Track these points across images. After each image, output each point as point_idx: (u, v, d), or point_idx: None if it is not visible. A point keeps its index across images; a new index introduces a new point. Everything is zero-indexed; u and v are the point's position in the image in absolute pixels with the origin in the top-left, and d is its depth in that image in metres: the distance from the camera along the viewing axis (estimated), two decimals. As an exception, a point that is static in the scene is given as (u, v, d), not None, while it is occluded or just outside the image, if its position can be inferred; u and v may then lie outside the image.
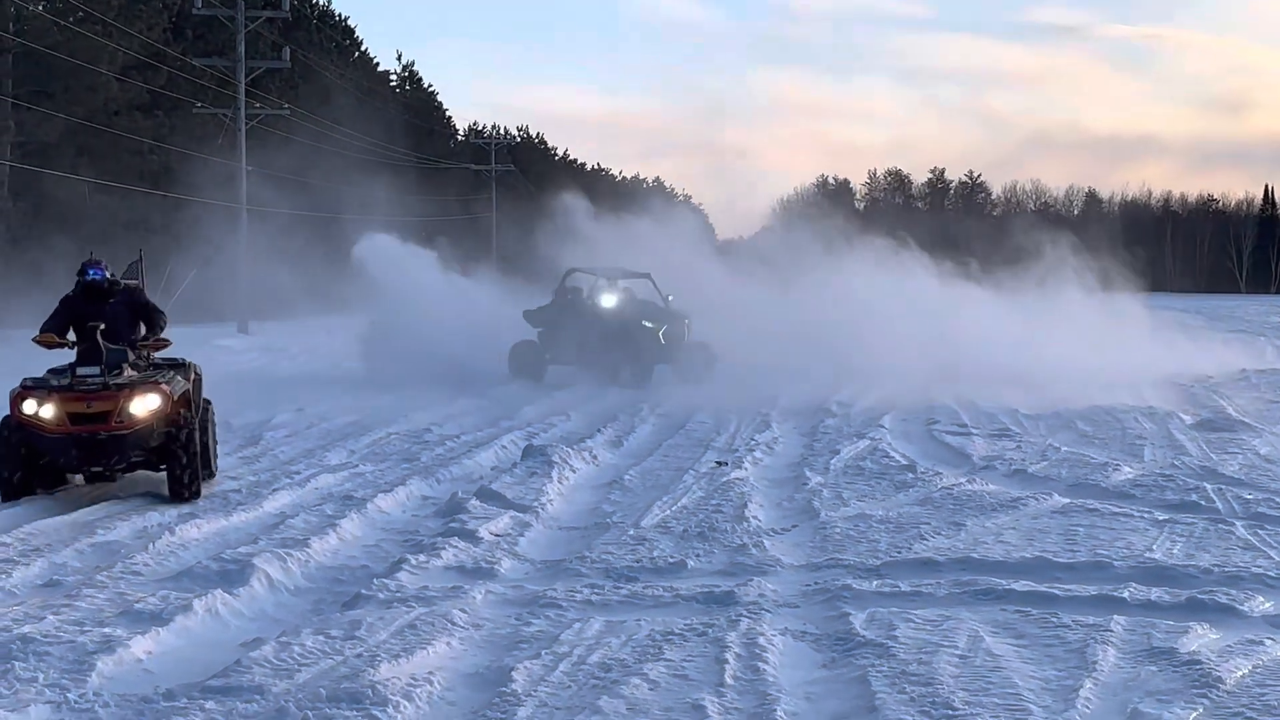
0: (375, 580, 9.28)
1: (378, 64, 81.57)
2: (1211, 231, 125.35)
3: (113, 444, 12.27)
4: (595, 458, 15.57)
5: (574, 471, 14.38)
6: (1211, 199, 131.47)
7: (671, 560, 9.98)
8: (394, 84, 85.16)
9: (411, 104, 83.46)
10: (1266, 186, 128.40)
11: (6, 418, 12.30)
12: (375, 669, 7.19)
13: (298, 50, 57.12)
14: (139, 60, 46.89)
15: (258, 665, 7.33)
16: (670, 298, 26.69)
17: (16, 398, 12.14)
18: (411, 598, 8.85)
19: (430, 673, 7.24)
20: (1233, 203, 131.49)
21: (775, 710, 6.63)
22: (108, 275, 13.03)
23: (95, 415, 12.14)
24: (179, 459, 12.42)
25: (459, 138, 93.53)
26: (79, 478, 13.21)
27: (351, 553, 10.48)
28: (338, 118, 59.43)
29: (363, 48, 78.98)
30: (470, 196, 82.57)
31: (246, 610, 8.72)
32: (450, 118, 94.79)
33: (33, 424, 12.12)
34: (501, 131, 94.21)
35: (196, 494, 12.55)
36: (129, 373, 12.45)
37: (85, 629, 8.02)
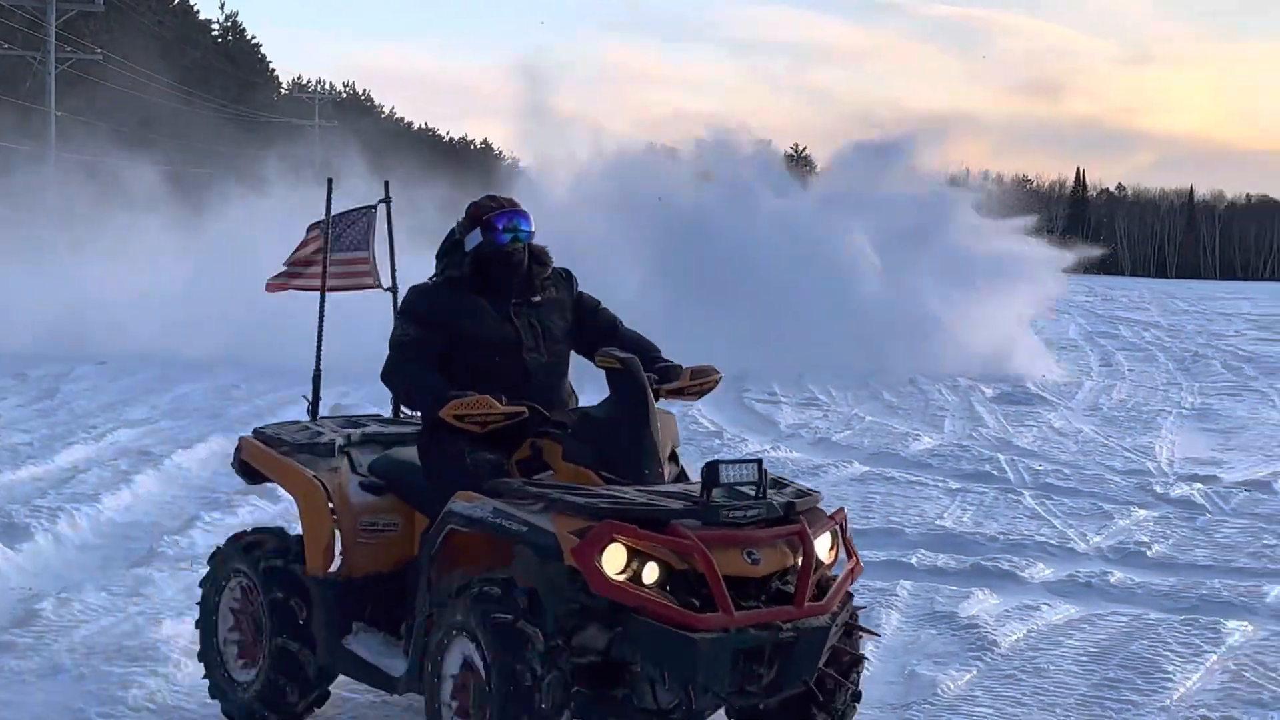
0: (166, 537, 9.14)
1: (198, 11, 79.58)
2: (1026, 211, 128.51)
3: None
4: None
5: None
6: (1026, 179, 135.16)
7: None
8: (215, 33, 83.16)
9: (233, 54, 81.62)
10: (1078, 169, 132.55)
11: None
12: (159, 627, 7.09)
13: (112, -7, 55.31)
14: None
15: (35, 620, 7.16)
16: None
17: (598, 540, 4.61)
18: (203, 555, 8.61)
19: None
20: (1046, 183, 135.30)
21: None
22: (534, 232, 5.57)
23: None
24: None
25: (283, 91, 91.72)
26: None
27: (145, 509, 10.32)
28: (154, 65, 57.77)
29: (183, -7, 76.84)
30: (291, 150, 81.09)
31: (29, 565, 8.50)
32: (274, 70, 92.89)
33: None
34: (327, 86, 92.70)
35: None
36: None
37: None
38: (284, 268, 7.72)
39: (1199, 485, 11.94)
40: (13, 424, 13.79)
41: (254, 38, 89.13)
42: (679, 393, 5.45)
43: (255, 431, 6.11)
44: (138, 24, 61.58)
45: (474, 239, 5.35)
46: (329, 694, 5.78)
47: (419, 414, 5.58)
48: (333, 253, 7.23)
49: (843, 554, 5.14)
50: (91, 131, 48.26)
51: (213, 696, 5.85)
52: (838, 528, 5.10)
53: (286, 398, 17.20)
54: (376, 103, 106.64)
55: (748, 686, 4.74)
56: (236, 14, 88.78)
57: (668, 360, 5.57)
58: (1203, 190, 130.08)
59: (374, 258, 7.50)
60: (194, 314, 23.14)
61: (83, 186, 41.97)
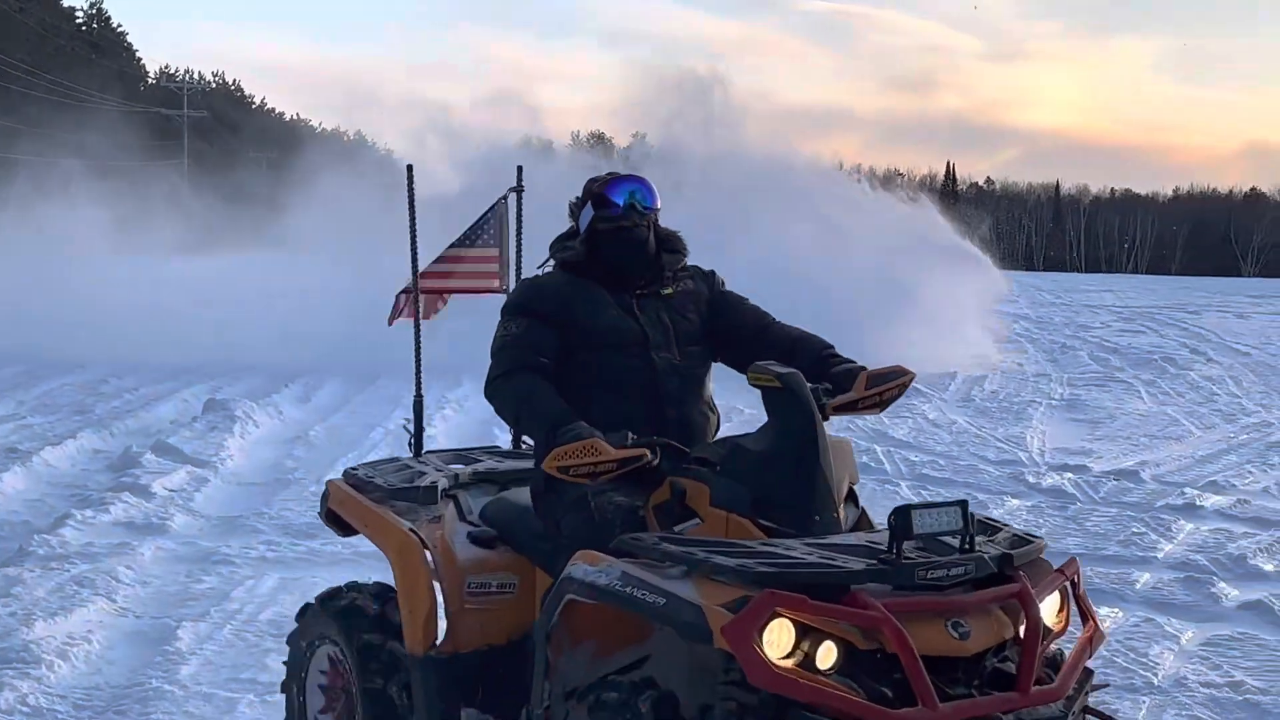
0: (37, 536, 8.95)
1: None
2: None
3: None
4: (280, 413, 15.34)
5: (257, 426, 14.17)
6: (898, 173, 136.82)
7: None
8: (80, 21, 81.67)
9: (98, 44, 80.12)
10: (948, 163, 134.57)
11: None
12: (30, 628, 6.96)
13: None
14: None
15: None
16: None
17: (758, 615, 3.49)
18: (75, 554, 8.60)
19: (90, 631, 7.05)
20: (918, 177, 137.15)
21: None
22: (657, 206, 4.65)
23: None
24: None
25: (150, 81, 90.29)
26: None
27: (13, 507, 10.12)
28: (14, 52, 56.50)
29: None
30: (161, 143, 79.58)
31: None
32: (140, 60, 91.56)
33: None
34: (196, 76, 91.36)
35: None
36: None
37: None
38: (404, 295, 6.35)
39: (1069, 475, 12.17)
40: None
41: (119, 25, 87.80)
42: (852, 406, 4.26)
43: (346, 473, 5.15)
44: (-2, 11, 60.17)
45: (586, 215, 4.46)
46: None
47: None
48: (459, 248, 6.25)
49: (1075, 617, 4.00)
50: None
51: None
52: (1068, 584, 3.97)
53: (158, 393, 16.97)
54: (247, 93, 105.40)
55: None
56: (101, 2, 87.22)
57: (845, 358, 4.49)
58: (1068, 184, 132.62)
59: (505, 256, 6.44)
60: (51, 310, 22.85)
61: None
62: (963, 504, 3.72)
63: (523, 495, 4.57)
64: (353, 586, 5.07)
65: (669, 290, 4.48)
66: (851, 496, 4.16)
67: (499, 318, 4.53)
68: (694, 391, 4.48)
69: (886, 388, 4.28)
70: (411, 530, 4.62)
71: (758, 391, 4.09)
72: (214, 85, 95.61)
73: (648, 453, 4.02)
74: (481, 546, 4.57)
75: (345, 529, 5.13)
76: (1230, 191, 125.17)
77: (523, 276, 5.51)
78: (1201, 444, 14.72)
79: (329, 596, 5.02)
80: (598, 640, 3.95)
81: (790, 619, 3.47)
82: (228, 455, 12.37)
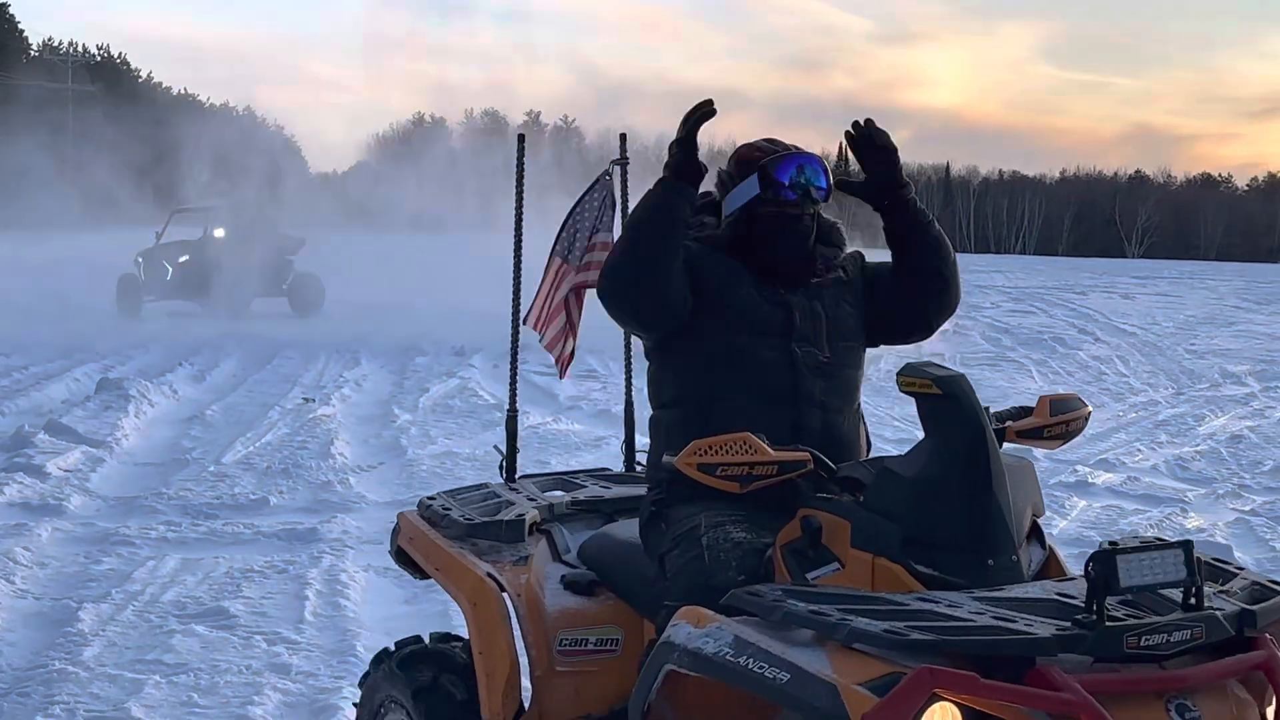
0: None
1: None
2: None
3: None
4: (176, 392, 15.20)
5: (152, 406, 14.05)
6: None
7: (254, 497, 9.88)
8: None
9: None
10: (840, 145, 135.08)
11: None
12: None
13: None
14: None
15: None
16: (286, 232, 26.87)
17: (912, 697, 2.66)
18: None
19: (-11, 612, 6.93)
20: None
21: (356, 645, 6.61)
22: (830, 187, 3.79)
23: None
24: None
25: (33, 53, 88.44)
26: None
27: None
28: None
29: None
30: (42, 118, 77.36)
31: None
32: (23, 32, 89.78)
33: None
34: (81, 49, 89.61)
35: None
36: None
37: None
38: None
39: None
40: None
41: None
42: (1033, 434, 3.51)
43: (421, 503, 4.27)
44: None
45: (748, 190, 3.63)
46: None
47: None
48: (579, 240, 4.88)
49: None
50: None
51: None
52: None
53: (48, 371, 16.72)
54: (133, 67, 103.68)
55: None
56: None
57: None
58: (958, 166, 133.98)
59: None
60: None
61: None
62: (1187, 545, 2.86)
63: (631, 528, 3.80)
64: (432, 641, 4.19)
65: (818, 280, 3.72)
66: (1036, 533, 3.37)
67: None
68: (843, 396, 3.70)
69: (1073, 416, 3.58)
70: (490, 574, 3.82)
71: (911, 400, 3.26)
72: (99, 59, 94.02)
73: (810, 458, 3.27)
74: (578, 593, 3.78)
75: (418, 573, 4.26)
76: (1115, 174, 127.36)
77: None
78: (1092, 422, 14.91)
79: (403, 648, 4.16)
80: (707, 716, 3.23)
81: (956, 703, 2.70)
82: (123, 435, 12.25)
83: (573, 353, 4.86)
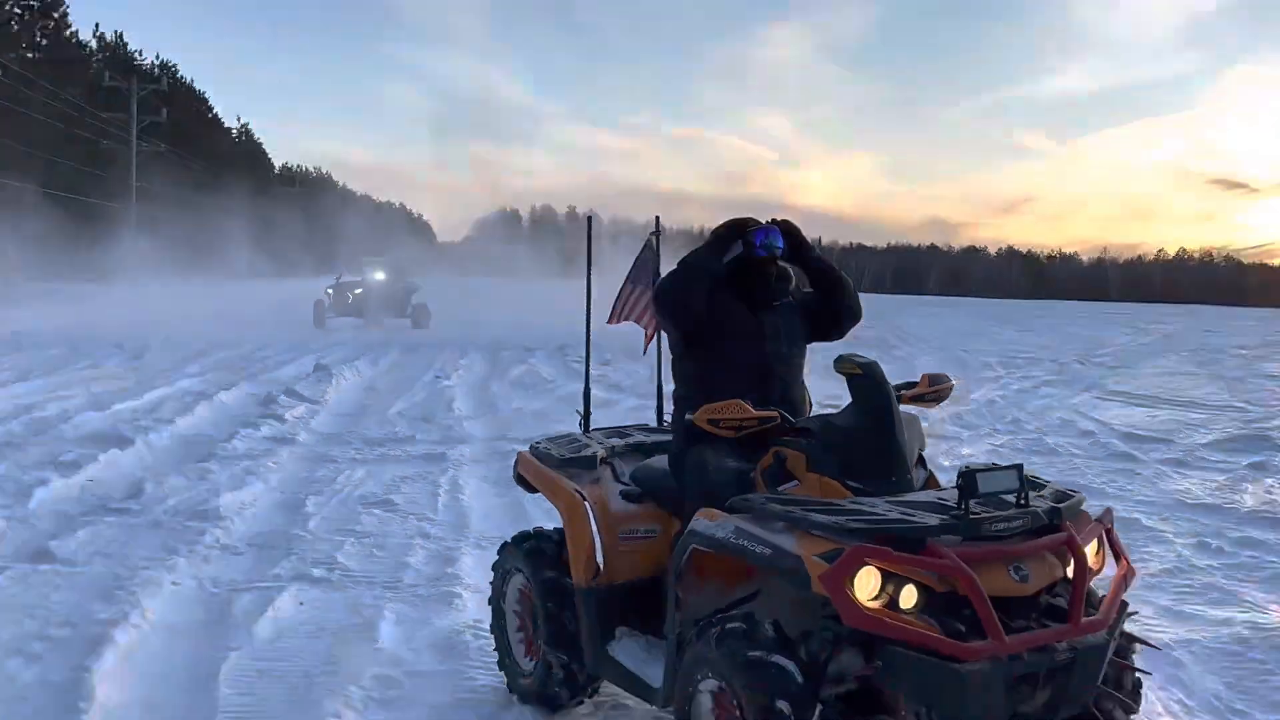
0: (219, 444, 8.83)
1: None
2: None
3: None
4: (359, 372, 15.17)
5: (346, 380, 13.97)
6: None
7: (406, 434, 9.81)
8: (234, 132, 73.78)
9: (249, 149, 72.88)
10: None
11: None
12: (218, 498, 6.90)
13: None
14: None
15: (143, 493, 6.93)
16: (410, 278, 26.86)
17: (849, 566, 2.73)
18: (242, 454, 8.51)
19: (254, 500, 7.01)
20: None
21: (468, 521, 6.63)
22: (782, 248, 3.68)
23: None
24: None
25: (275, 172, 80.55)
26: None
27: (203, 427, 9.90)
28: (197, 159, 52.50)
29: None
30: (275, 209, 63.85)
31: (135, 461, 8.15)
32: (267, 154, 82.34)
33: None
34: (300, 167, 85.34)
35: None
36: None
37: (27, 471, 7.42)
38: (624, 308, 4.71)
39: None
40: (112, 376, 13.22)
41: (258, 136, 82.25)
42: (918, 399, 3.45)
43: (531, 446, 4.15)
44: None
45: (736, 249, 3.59)
46: (600, 686, 3.91)
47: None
48: (642, 279, 4.56)
49: (1110, 559, 3.12)
50: None
51: (500, 669, 4.07)
52: (1104, 530, 3.07)
53: (284, 359, 16.71)
54: (334, 178, 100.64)
55: (1021, 709, 2.77)
56: (248, 124, 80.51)
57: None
58: (826, 239, 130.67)
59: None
60: (216, 309, 22.54)
61: None
62: (1019, 467, 2.93)
63: (663, 461, 3.74)
64: (539, 532, 4.04)
65: (778, 303, 3.64)
66: (921, 461, 3.28)
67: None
68: (795, 376, 3.64)
69: (941, 388, 3.46)
70: (577, 491, 3.76)
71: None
72: (313, 173, 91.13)
73: (778, 415, 3.23)
74: (631, 502, 3.73)
75: (530, 489, 4.08)
76: (917, 245, 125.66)
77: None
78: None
79: (520, 539, 4.04)
80: (717, 580, 3.20)
81: (876, 568, 2.71)
82: (329, 396, 12.20)
83: (651, 338, 4.55)
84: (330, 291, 26.23)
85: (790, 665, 2.74)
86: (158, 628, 4.65)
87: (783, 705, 2.69)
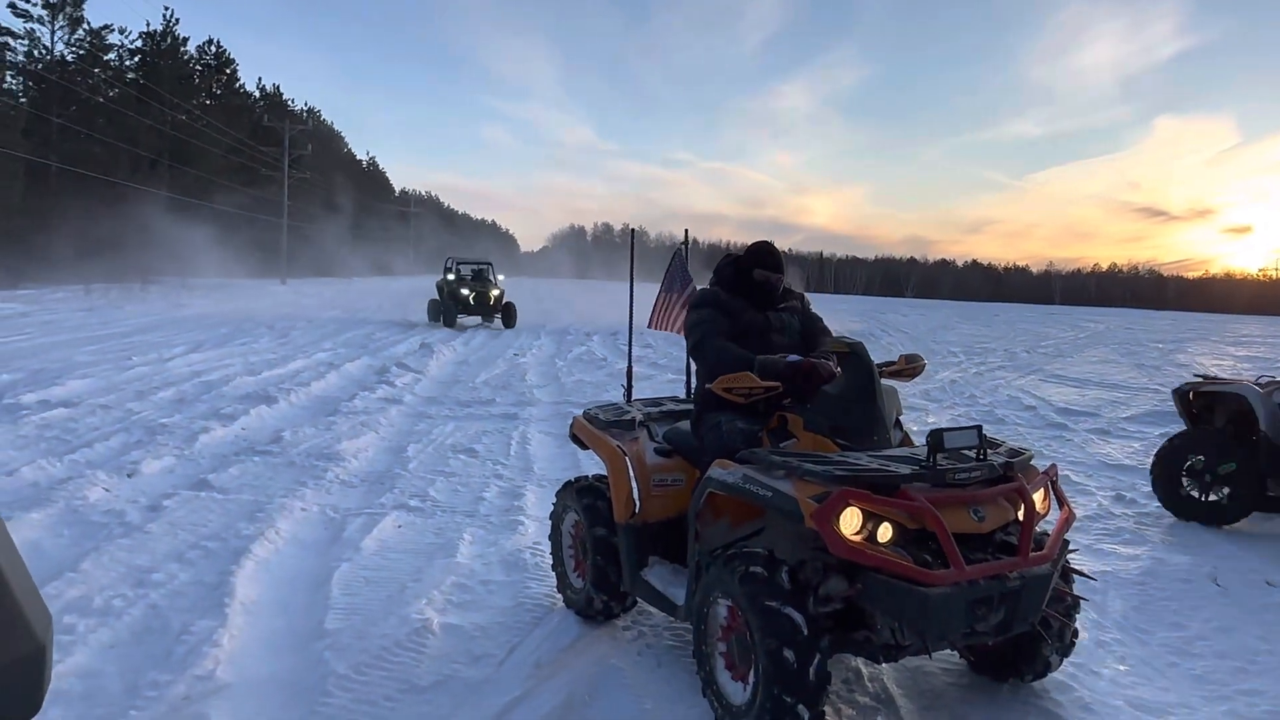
0: (343, 403, 8.86)
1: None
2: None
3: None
4: (454, 350, 15.21)
5: (444, 356, 13.99)
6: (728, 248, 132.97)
7: (488, 398, 9.77)
8: (364, 163, 72.55)
9: (374, 177, 71.93)
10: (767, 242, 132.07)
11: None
12: (341, 444, 6.93)
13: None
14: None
15: (282, 439, 6.98)
16: (501, 277, 26.52)
17: (836, 505, 2.66)
18: (360, 411, 8.52)
19: (367, 447, 7.00)
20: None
21: (533, 467, 6.57)
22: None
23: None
24: None
25: (394, 198, 76.99)
26: None
27: (331, 390, 9.94)
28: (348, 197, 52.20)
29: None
30: (395, 227, 65.85)
31: (278, 415, 8.20)
32: (388, 178, 79.92)
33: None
34: (417, 191, 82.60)
35: None
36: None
37: (195, 421, 7.51)
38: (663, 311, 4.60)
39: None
40: (258, 353, 13.33)
41: (383, 167, 79.89)
42: (896, 374, 3.36)
43: (585, 411, 4.04)
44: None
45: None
46: (636, 603, 3.84)
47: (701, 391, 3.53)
48: (669, 293, 4.50)
49: (1054, 504, 3.05)
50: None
51: (559, 590, 4.00)
52: (1049, 481, 2.98)
53: (397, 338, 16.82)
54: (445, 202, 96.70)
55: (978, 628, 2.74)
56: (375, 157, 79.14)
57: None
58: (827, 253, 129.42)
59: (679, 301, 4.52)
60: (349, 301, 22.59)
61: None
62: (979, 428, 2.86)
63: (689, 425, 3.68)
64: (592, 477, 3.95)
65: (782, 305, 3.60)
66: (898, 425, 3.18)
67: (692, 309, 3.59)
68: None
69: (914, 366, 3.37)
70: (619, 447, 3.68)
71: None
72: (425, 196, 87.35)
73: (780, 386, 3.15)
74: (662, 456, 3.65)
75: (583, 446, 3.98)
76: (900, 258, 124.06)
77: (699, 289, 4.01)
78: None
79: (572, 483, 3.96)
80: (729, 517, 3.16)
81: (858, 508, 2.65)
82: (431, 368, 12.21)
83: (660, 327, 4.52)
84: (450, 277, 23.27)
85: (789, 585, 2.72)
86: (288, 542, 4.68)
87: (782, 617, 2.68)
